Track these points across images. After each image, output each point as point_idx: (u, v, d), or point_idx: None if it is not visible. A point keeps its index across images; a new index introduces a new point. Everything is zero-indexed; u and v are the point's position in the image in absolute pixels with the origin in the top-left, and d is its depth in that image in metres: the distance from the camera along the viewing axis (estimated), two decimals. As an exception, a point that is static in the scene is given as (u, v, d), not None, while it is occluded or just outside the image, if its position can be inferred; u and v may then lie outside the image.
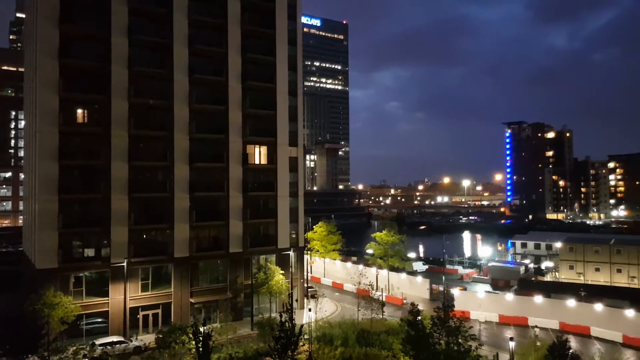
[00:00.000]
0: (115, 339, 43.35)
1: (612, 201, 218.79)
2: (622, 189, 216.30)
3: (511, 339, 35.41)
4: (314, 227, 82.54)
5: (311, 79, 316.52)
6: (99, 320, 46.34)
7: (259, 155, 56.97)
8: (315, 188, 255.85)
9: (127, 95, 48.36)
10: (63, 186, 44.85)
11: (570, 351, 31.49)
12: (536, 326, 49.32)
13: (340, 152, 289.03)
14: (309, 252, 75.94)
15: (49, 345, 34.27)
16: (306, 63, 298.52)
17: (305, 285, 61.33)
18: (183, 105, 51.56)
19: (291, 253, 57.03)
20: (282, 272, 54.73)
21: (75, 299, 44.52)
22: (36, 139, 45.85)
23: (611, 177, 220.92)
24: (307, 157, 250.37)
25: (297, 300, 57.41)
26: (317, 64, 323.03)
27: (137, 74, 49.04)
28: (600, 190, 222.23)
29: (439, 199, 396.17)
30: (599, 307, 49.50)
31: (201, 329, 33.57)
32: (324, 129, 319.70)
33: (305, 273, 61.54)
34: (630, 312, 46.39)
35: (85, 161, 46.59)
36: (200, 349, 32.35)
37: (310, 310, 46.97)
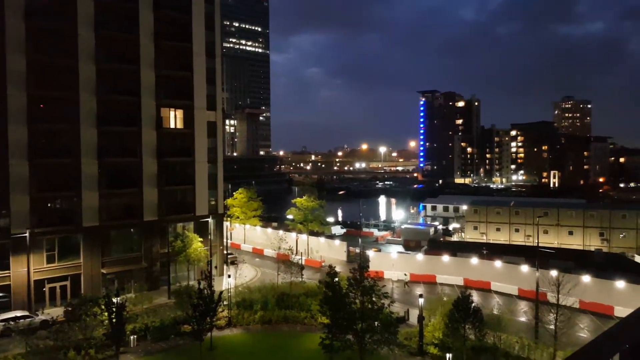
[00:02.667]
0: (18, 313, 40.56)
1: (513, 166, 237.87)
2: (522, 155, 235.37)
3: (420, 295, 37.86)
4: (234, 193, 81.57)
5: (230, 40, 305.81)
6: (0, 295, 43.06)
7: (174, 119, 54.52)
8: (235, 154, 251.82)
9: (25, 51, 43.68)
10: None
11: (473, 305, 34.39)
12: (406, 279, 54.35)
13: (261, 118, 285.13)
14: (229, 218, 75.18)
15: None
16: (225, 23, 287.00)
17: (225, 252, 60.93)
18: (89, 64, 47.59)
19: (210, 220, 56.08)
20: (201, 239, 53.80)
21: (-31, 273, 40.90)
22: None
23: (513, 144, 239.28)
24: (227, 122, 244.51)
25: (216, 267, 57.03)
26: (236, 24, 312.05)
27: (36, 28, 44.29)
28: (503, 157, 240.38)
29: (358, 165, 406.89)
30: (498, 264, 54.22)
31: (114, 300, 32.41)
32: (244, 93, 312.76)
33: (224, 240, 61.02)
34: (524, 268, 51.35)
35: (-25, 123, 41.95)
36: (114, 320, 31.36)
37: (229, 276, 46.92)
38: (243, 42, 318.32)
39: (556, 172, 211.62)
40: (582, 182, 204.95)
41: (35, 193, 44.41)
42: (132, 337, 36.23)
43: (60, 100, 46.42)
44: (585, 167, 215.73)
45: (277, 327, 41.36)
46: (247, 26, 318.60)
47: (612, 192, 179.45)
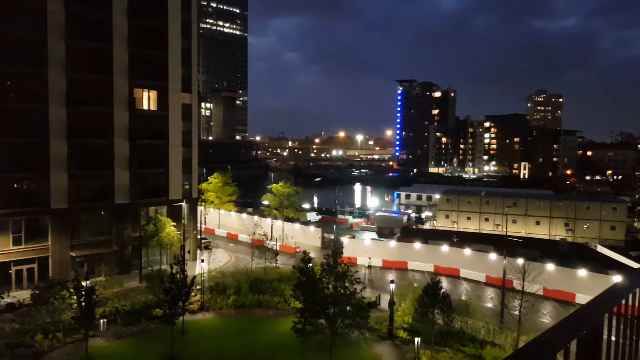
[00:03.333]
0: (-18, 296, 39.52)
1: (485, 157, 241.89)
2: (494, 146, 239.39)
3: (392, 281, 38.50)
4: (209, 178, 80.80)
5: (207, 21, 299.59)
6: (-38, 277, 41.93)
7: (148, 100, 53.44)
8: (211, 138, 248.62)
9: (-12, 24, 42.03)
10: None
11: (442, 290, 35.26)
12: (370, 262, 55.51)
13: (238, 102, 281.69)
14: (203, 203, 74.53)
15: None
16: (202, 3, 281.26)
17: (199, 236, 60.52)
18: (59, 40, 46.06)
19: (184, 204, 55.51)
20: (174, 223, 53.27)
21: None
22: None
23: (486, 135, 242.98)
24: (203, 105, 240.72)
25: (189, 252, 56.64)
26: (213, 5, 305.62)
27: (3, 3, 42.58)
28: (476, 147, 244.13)
29: (334, 152, 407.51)
30: (467, 251, 55.46)
31: (83, 283, 31.93)
32: (221, 76, 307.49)
33: (198, 224, 60.57)
34: (492, 256, 52.69)
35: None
36: (83, 304, 30.93)
37: (203, 261, 46.69)
38: (220, 23, 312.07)
39: (526, 163, 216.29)
40: (550, 174, 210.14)
41: (0, 173, 43.11)
42: (101, 321, 35.83)
43: (27, 77, 44.89)
44: (555, 159, 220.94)
45: (250, 312, 41.50)
46: (224, 7, 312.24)
47: (578, 184, 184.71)
